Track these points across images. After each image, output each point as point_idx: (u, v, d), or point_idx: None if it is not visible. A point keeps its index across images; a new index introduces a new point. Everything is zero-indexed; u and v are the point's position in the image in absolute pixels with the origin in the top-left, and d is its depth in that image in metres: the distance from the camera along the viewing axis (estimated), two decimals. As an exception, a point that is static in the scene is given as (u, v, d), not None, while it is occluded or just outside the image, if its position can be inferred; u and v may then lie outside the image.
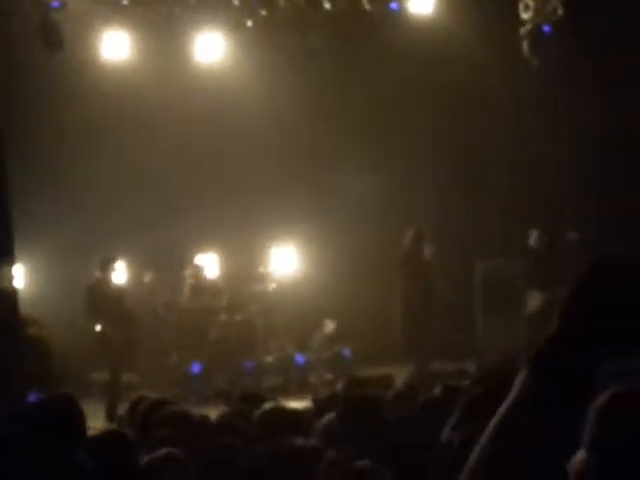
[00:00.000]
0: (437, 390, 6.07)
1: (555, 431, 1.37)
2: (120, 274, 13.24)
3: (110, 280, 12.71)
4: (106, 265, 12.67)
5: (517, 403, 1.40)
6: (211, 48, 14.59)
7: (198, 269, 13.98)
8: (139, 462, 4.22)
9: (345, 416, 4.38)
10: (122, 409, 10.49)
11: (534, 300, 13.63)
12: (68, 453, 4.18)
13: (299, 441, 4.15)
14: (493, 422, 1.41)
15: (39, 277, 13.86)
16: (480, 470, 1.39)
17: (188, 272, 14.01)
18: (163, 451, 4.33)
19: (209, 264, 14.22)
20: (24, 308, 11.24)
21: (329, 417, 4.71)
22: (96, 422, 9.70)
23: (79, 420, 4.52)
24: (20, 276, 12.36)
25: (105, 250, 13.31)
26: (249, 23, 14.23)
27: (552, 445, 1.37)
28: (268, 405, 5.17)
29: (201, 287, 13.84)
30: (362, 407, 4.37)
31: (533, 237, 14.01)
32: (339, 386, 12.00)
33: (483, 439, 1.41)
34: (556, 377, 1.38)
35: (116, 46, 14.18)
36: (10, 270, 9.83)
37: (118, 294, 12.73)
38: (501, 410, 1.41)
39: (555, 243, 13.97)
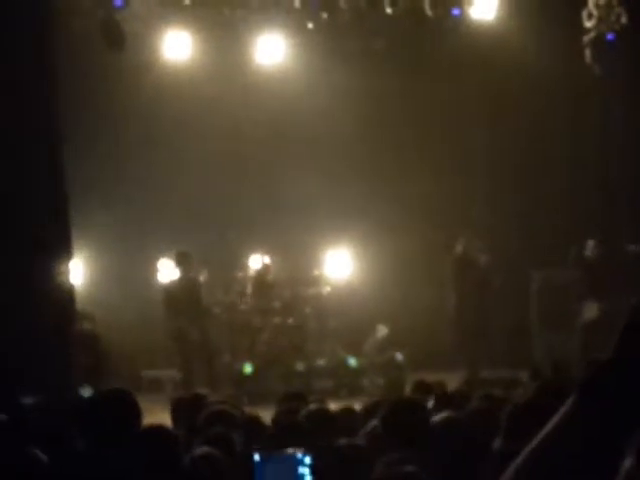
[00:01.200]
0: (481, 399, 6.04)
1: (596, 459, 1.36)
2: (175, 271, 13.35)
3: (184, 277, 12.82)
4: (181, 261, 12.82)
5: (563, 426, 1.38)
6: (272, 50, 14.66)
7: (261, 269, 13.99)
8: (183, 459, 4.25)
9: (387, 420, 4.36)
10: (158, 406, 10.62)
11: (590, 310, 13.49)
12: (120, 447, 4.22)
13: (343, 441, 4.15)
14: (535, 440, 1.40)
15: (95, 273, 14.02)
16: None
17: (246, 272, 14.06)
18: (201, 450, 4.36)
19: (264, 265, 14.26)
20: (79, 303, 11.51)
21: (375, 421, 4.72)
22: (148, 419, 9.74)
23: (136, 415, 4.56)
24: (77, 271, 12.49)
25: (161, 248, 13.43)
26: (310, 25, 14.27)
27: (592, 470, 1.36)
28: (314, 406, 5.17)
29: (261, 288, 13.88)
30: (404, 412, 4.35)
31: (589, 247, 13.88)
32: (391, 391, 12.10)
33: (523, 454, 1.40)
34: (606, 405, 1.36)
35: (178, 47, 14.31)
36: (67, 266, 10.01)
37: (192, 291, 12.84)
38: (546, 430, 1.39)
39: (612, 254, 13.82)
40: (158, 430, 4.44)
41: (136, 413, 4.63)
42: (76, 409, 6.25)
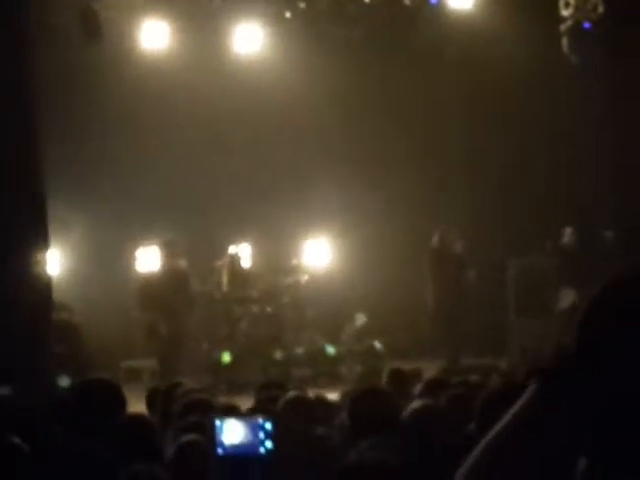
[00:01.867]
0: (458, 386, 6.07)
1: (555, 446, 1.37)
2: (156, 260, 13.32)
3: (165, 268, 12.71)
4: (167, 249, 12.68)
5: (521, 413, 1.39)
6: (249, 39, 14.63)
7: (234, 258, 14.02)
8: (162, 448, 4.26)
9: (353, 410, 4.38)
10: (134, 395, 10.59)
11: (567, 297, 13.55)
12: (102, 436, 4.23)
13: (320, 431, 4.17)
14: (496, 427, 1.41)
15: (73, 263, 13.99)
16: (477, 467, 1.39)
17: (223, 261, 14.07)
18: (187, 437, 4.36)
19: (243, 254, 14.27)
20: (57, 293, 11.48)
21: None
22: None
23: (120, 404, 4.57)
24: (54, 262, 12.45)
25: (140, 237, 13.40)
26: (288, 15, 14.26)
27: (547, 455, 1.37)
28: (292, 393, 5.19)
29: (236, 277, 13.89)
30: (369, 401, 4.37)
31: (566, 235, 13.94)
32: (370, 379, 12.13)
33: (484, 441, 1.41)
34: (563, 393, 1.37)
35: (155, 36, 14.26)
36: (44, 256, 9.96)
37: (178, 278, 12.68)
38: (506, 417, 1.41)
39: (589, 241, 13.89)
40: (139, 419, 4.45)
41: (121, 402, 4.64)
42: (56, 399, 6.26)
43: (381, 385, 5.97)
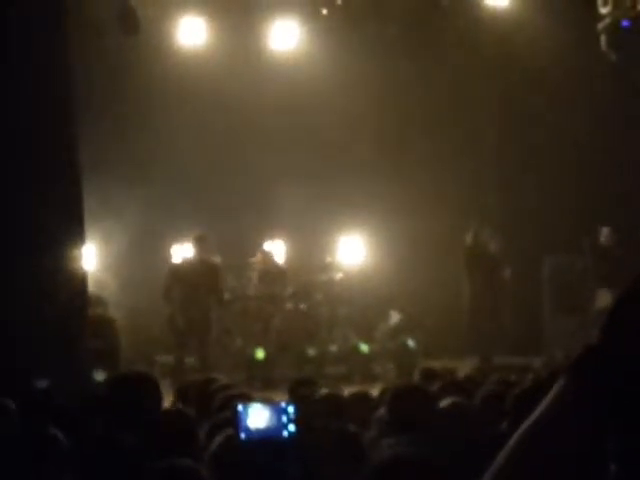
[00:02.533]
0: (493, 384, 6.05)
1: (582, 441, 1.36)
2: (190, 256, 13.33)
3: (194, 262, 12.66)
4: (198, 243, 12.65)
5: (550, 408, 1.38)
6: (286, 36, 14.65)
7: (267, 255, 14.06)
8: (199, 443, 4.28)
9: (392, 407, 4.38)
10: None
11: (603, 298, 13.46)
12: (139, 429, 4.25)
13: (352, 428, 4.17)
14: (525, 422, 1.40)
15: (109, 259, 14.06)
16: (505, 469, 1.38)
17: (256, 258, 14.10)
18: (223, 435, 4.37)
19: (277, 251, 14.29)
20: (93, 289, 11.54)
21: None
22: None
23: (155, 398, 4.58)
24: (90, 257, 12.53)
25: (175, 233, 13.46)
26: (324, 11, 14.25)
27: (577, 451, 1.36)
28: (324, 391, 5.20)
29: (269, 274, 13.91)
30: (408, 398, 4.37)
31: (604, 234, 13.84)
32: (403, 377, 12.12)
33: (514, 437, 1.40)
34: (593, 385, 1.36)
35: (192, 33, 14.32)
36: (80, 252, 10.02)
37: (196, 276, 12.60)
38: (535, 412, 1.40)
39: (625, 241, 13.79)
40: (177, 413, 4.47)
41: (157, 396, 4.66)
42: (93, 393, 6.30)
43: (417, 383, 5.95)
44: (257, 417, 3.40)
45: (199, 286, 12.42)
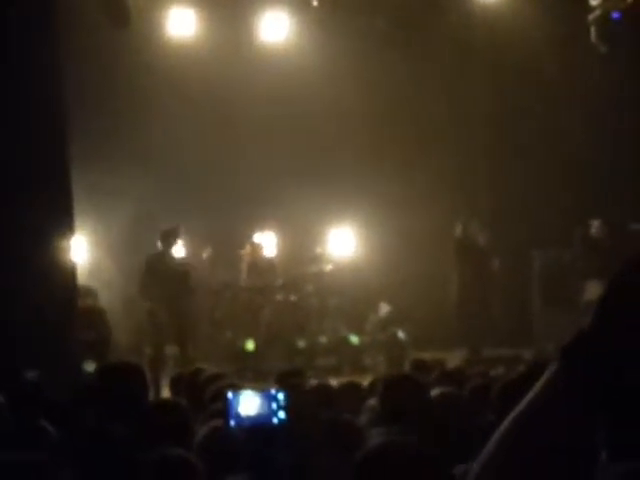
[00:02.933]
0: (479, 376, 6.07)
1: (572, 429, 1.36)
2: (179, 249, 13.31)
3: (168, 254, 12.55)
4: (166, 237, 12.50)
5: (541, 396, 1.38)
6: (276, 27, 14.63)
7: (256, 247, 14.06)
8: (194, 433, 4.28)
9: (384, 397, 4.40)
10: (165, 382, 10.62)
11: (592, 289, 13.49)
12: (130, 419, 4.25)
13: (345, 417, 4.18)
14: (515, 410, 1.40)
15: (99, 249, 14.05)
16: (495, 458, 1.38)
17: (246, 250, 14.10)
18: (214, 423, 4.38)
19: (267, 243, 14.29)
20: (82, 279, 11.51)
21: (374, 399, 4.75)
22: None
23: (144, 388, 4.59)
24: (80, 248, 12.50)
25: (164, 225, 13.44)
26: (315, 3, 14.22)
27: (567, 440, 1.36)
28: (314, 382, 5.21)
29: (258, 266, 13.92)
30: (401, 388, 4.38)
31: (594, 226, 13.86)
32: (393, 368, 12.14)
33: (505, 422, 1.40)
34: (583, 373, 1.36)
35: (182, 24, 14.29)
36: (69, 242, 10.01)
37: (174, 270, 12.53)
38: (525, 399, 1.39)
39: (616, 233, 13.81)
40: (170, 404, 4.47)
41: (145, 387, 4.66)
42: (82, 383, 6.30)
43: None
44: (247, 404, 3.41)
45: (174, 279, 12.34)
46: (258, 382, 11.11)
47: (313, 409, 4.18)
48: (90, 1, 12.71)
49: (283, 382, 6.46)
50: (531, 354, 13.18)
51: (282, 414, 3.36)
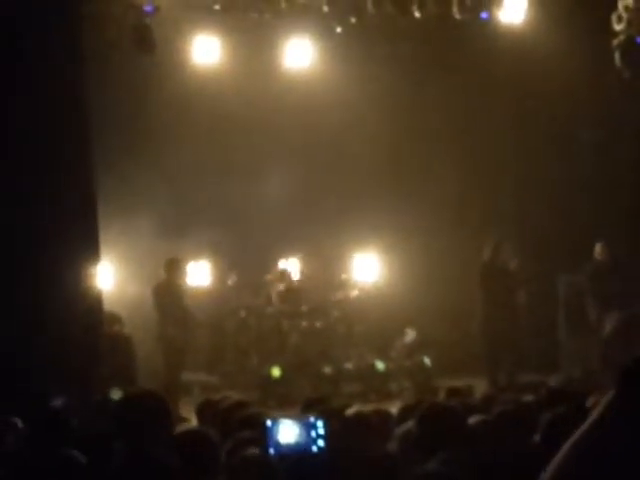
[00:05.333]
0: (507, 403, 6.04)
1: (632, 456, 1.33)
2: (204, 276, 13.35)
3: (174, 281, 12.75)
4: (169, 267, 12.78)
5: (601, 422, 1.36)
6: (300, 54, 14.68)
7: (283, 273, 14.06)
8: (220, 461, 4.24)
9: (423, 424, 4.36)
10: (184, 409, 10.61)
11: (611, 319, 13.39)
12: (153, 449, 4.22)
13: (379, 446, 4.14)
14: (573, 438, 1.38)
15: (125, 276, 14.06)
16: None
17: (274, 276, 14.10)
18: (248, 452, 4.35)
19: (292, 269, 14.29)
20: (109, 306, 11.54)
21: (409, 424, 4.70)
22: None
23: (166, 417, 4.56)
24: (107, 275, 12.54)
25: (190, 251, 13.46)
26: (338, 30, 14.26)
27: (635, 467, 1.33)
28: (351, 410, 5.17)
29: (284, 292, 13.92)
30: (440, 416, 4.35)
31: (596, 250, 13.70)
32: (420, 395, 12.07)
33: (561, 454, 1.38)
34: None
35: (207, 51, 14.36)
36: (95, 269, 10.04)
37: (180, 295, 12.78)
38: (583, 427, 1.37)
39: (629, 259, 13.70)
40: (197, 433, 4.44)
41: (166, 414, 4.63)
42: (110, 411, 6.28)
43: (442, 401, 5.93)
44: (286, 432, 3.38)
45: (182, 307, 12.65)
46: (283, 409, 11.06)
47: (350, 438, 4.15)
48: (116, 29, 12.79)
49: (308, 410, 6.42)
50: (558, 380, 13.09)
51: (321, 442, 3.34)
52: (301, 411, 6.66)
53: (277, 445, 3.35)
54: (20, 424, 5.51)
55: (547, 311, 14.17)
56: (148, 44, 12.78)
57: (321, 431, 3.28)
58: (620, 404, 1.36)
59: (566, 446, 1.38)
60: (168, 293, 12.65)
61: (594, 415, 1.37)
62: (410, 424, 4.58)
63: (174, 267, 12.80)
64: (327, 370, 13.38)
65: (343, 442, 3.92)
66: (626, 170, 14.48)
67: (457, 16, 13.66)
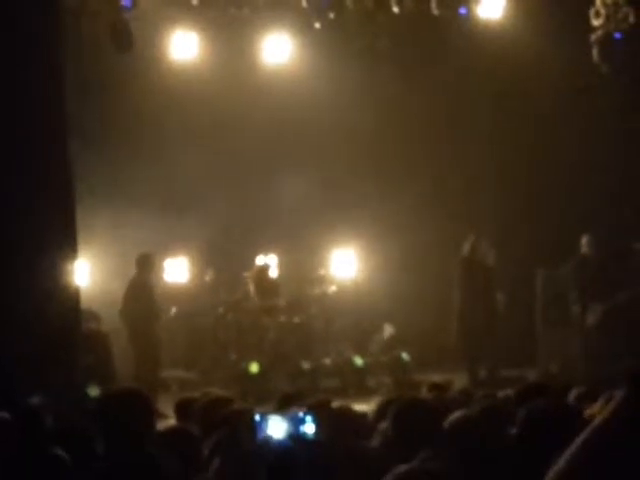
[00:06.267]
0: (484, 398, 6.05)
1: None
2: (182, 272, 13.32)
3: (145, 277, 12.72)
4: (141, 262, 12.74)
5: (613, 423, 1.36)
6: (278, 50, 14.65)
7: (262, 269, 14.03)
8: (203, 458, 4.23)
9: (398, 420, 4.36)
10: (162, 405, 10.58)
11: (593, 312, 13.44)
12: (138, 446, 4.20)
13: (361, 443, 4.14)
14: (582, 437, 1.38)
15: (102, 273, 14.01)
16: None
17: (252, 272, 14.08)
18: (226, 448, 4.34)
19: (270, 265, 14.28)
20: (86, 303, 11.47)
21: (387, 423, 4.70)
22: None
23: (149, 414, 4.54)
24: (84, 272, 12.49)
25: (167, 247, 13.43)
26: (317, 25, 14.24)
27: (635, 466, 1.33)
28: (335, 405, 5.16)
29: (263, 287, 13.90)
30: (415, 411, 4.35)
31: (583, 243, 13.78)
32: (398, 390, 12.10)
33: (569, 453, 1.38)
34: None
35: (185, 47, 14.31)
36: (72, 266, 9.98)
37: (150, 294, 12.74)
38: (593, 426, 1.37)
39: (615, 251, 13.78)
40: (179, 430, 4.43)
41: (149, 412, 4.60)
42: (89, 409, 6.25)
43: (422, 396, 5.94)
44: (274, 428, 3.37)
45: (152, 303, 12.67)
46: (262, 405, 11.05)
47: (333, 434, 4.15)
48: (94, 26, 12.72)
49: (284, 406, 6.39)
50: (537, 374, 13.16)
51: (310, 437, 3.34)
52: (277, 406, 6.64)
53: (264, 440, 3.35)
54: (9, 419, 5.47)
55: (526, 306, 14.22)
56: (126, 40, 12.72)
57: (310, 426, 3.28)
58: (628, 408, 1.36)
59: (572, 448, 1.38)
60: (140, 289, 12.61)
61: (601, 418, 1.38)
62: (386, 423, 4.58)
63: (145, 263, 12.76)
64: (305, 366, 13.38)
65: (325, 438, 3.91)
66: (607, 165, 14.53)
67: (435, 12, 13.70)
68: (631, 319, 12.79)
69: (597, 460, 1.35)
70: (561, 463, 1.37)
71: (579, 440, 1.37)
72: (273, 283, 14.05)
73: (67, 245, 9.84)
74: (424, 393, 7.38)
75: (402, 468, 2.94)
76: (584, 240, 13.73)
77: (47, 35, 9.72)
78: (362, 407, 7.81)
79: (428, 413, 4.34)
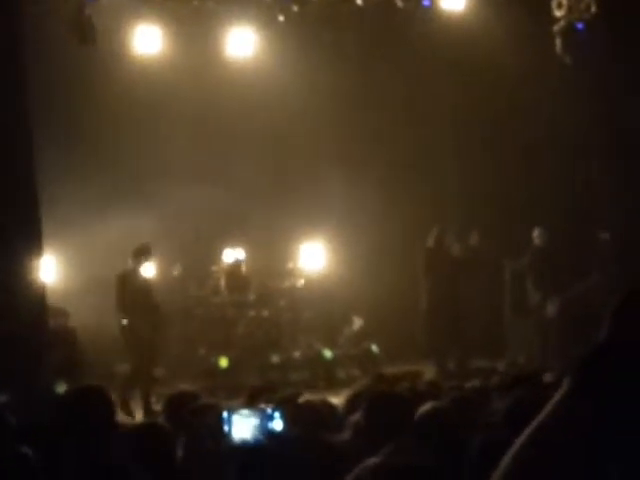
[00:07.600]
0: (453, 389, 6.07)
1: (598, 446, 1.33)
2: (150, 266, 13.20)
3: (140, 271, 12.58)
4: (138, 255, 12.54)
5: (558, 415, 1.35)
6: (242, 43, 14.60)
7: (230, 263, 13.97)
8: (176, 454, 4.21)
9: (370, 413, 4.35)
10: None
11: (552, 303, 13.54)
12: (99, 444, 4.18)
13: (331, 436, 4.13)
14: (528, 431, 1.37)
15: (68, 269, 13.93)
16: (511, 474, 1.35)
17: (219, 265, 14.04)
18: (202, 444, 4.31)
19: (239, 259, 14.23)
20: (53, 299, 11.39)
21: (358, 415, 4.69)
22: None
23: (109, 411, 4.51)
24: (50, 268, 12.39)
25: (134, 243, 13.34)
26: (281, 18, 14.21)
27: (593, 461, 1.32)
28: (302, 399, 5.16)
29: (231, 281, 13.86)
30: (387, 404, 4.35)
31: (535, 235, 13.84)
32: (367, 382, 12.10)
33: (516, 447, 1.37)
34: (605, 391, 1.33)
35: (148, 40, 14.22)
36: (38, 262, 9.90)
37: (146, 286, 12.61)
38: (539, 420, 1.36)
39: (571, 241, 13.86)
40: (150, 426, 4.40)
41: (110, 409, 4.58)
42: (53, 405, 6.20)
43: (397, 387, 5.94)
44: (242, 423, 3.36)
45: (145, 296, 12.37)
46: (232, 399, 11.02)
47: (302, 427, 4.14)
48: (56, 19, 12.61)
49: (254, 399, 6.37)
50: (504, 365, 13.22)
51: (278, 432, 3.33)
52: (246, 400, 6.62)
53: (232, 436, 3.33)
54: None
55: (495, 296, 14.29)
56: (89, 34, 12.62)
57: (278, 422, 3.27)
58: (575, 396, 1.35)
59: (521, 437, 1.37)
60: (133, 283, 12.38)
61: (548, 407, 1.37)
62: (358, 414, 4.57)
63: (143, 253, 12.53)
64: (275, 359, 13.38)
65: (294, 431, 3.90)
66: (567, 154, 14.61)
67: (399, 3, 13.71)
68: (588, 309, 12.89)
69: (544, 451, 1.35)
70: (507, 460, 1.36)
71: (524, 437, 1.37)
72: (241, 277, 14.01)
73: (32, 241, 9.76)
74: (391, 384, 7.38)
75: (370, 462, 2.93)
76: (535, 232, 13.81)
77: (8, 33, 9.62)
78: (332, 399, 7.81)
79: (399, 405, 4.34)
